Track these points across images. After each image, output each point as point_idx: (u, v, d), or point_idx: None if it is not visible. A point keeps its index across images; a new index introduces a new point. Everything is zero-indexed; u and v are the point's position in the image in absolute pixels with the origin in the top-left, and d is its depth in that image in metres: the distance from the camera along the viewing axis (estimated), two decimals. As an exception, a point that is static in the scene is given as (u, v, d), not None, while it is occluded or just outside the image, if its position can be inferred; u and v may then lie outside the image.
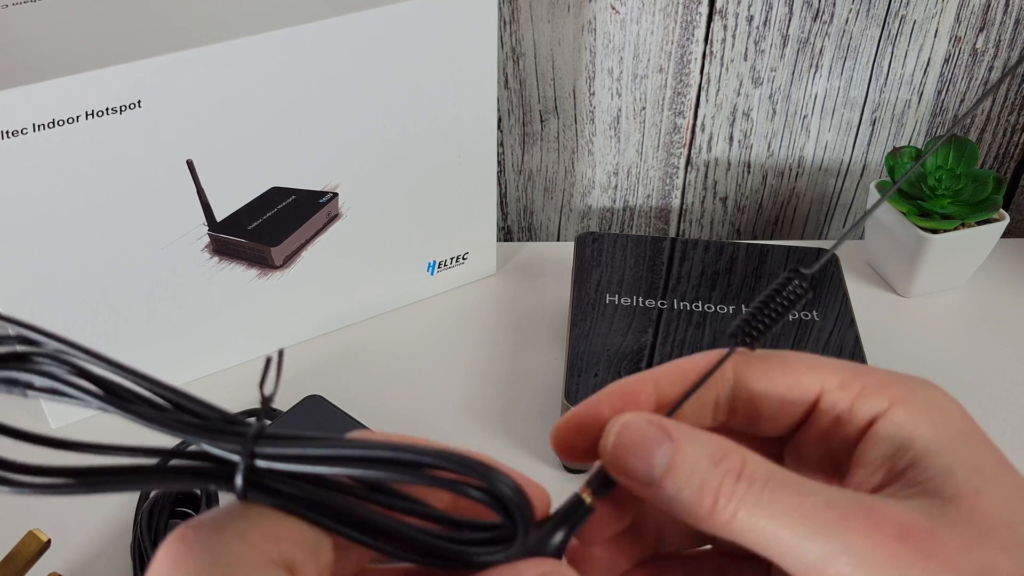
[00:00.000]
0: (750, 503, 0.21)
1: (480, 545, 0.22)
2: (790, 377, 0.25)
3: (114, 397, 0.20)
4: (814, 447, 0.26)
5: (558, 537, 0.24)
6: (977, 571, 0.20)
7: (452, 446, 0.21)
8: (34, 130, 0.46)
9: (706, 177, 0.76)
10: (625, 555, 0.27)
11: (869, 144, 0.74)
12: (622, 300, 0.60)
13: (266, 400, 0.21)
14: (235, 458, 0.20)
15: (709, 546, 0.28)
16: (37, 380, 0.20)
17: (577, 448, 0.25)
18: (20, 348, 0.20)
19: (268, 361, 0.21)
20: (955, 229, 0.63)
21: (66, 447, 0.20)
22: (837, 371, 0.25)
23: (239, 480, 0.20)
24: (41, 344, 0.20)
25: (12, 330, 0.20)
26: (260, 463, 0.20)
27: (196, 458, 0.21)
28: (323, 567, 0.21)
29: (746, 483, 0.22)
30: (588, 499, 0.24)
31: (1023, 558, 0.21)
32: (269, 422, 0.21)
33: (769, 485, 0.21)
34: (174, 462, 0.21)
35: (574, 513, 0.24)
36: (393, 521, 0.21)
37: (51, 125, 0.46)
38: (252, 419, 0.22)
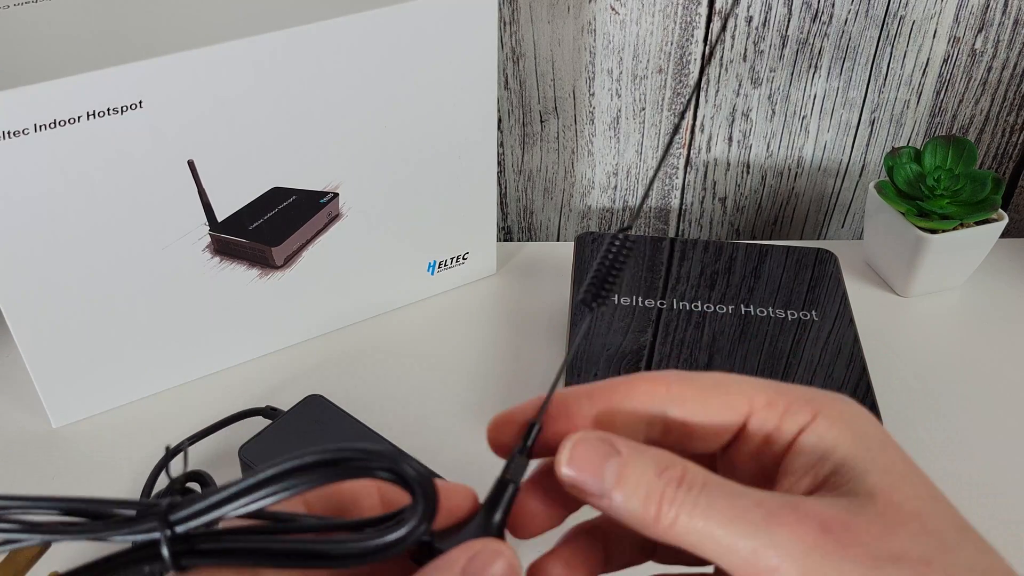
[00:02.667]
0: (689, 507, 0.24)
1: (387, 530, 0.23)
2: (720, 399, 0.27)
3: (47, 529, 0.23)
4: (747, 462, 0.27)
5: (496, 519, 0.26)
6: (890, 557, 0.23)
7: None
8: (35, 130, 0.46)
9: (705, 177, 0.76)
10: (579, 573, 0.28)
11: (868, 144, 0.74)
12: (622, 300, 0.60)
13: (174, 482, 0.24)
14: (156, 535, 0.22)
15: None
16: None
17: (504, 445, 0.28)
18: None
19: (168, 449, 0.24)
20: (954, 229, 0.63)
21: None
22: (763, 390, 0.27)
23: (165, 553, 0.22)
24: None
25: None
26: (179, 529, 0.23)
27: (134, 551, 0.23)
28: None
29: (685, 489, 0.24)
30: (509, 477, 0.26)
31: (929, 544, 0.23)
32: (180, 497, 0.24)
33: (705, 490, 0.24)
34: (115, 559, 0.23)
35: (500, 494, 0.26)
36: (305, 542, 0.23)
37: (52, 125, 0.46)
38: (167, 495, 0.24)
